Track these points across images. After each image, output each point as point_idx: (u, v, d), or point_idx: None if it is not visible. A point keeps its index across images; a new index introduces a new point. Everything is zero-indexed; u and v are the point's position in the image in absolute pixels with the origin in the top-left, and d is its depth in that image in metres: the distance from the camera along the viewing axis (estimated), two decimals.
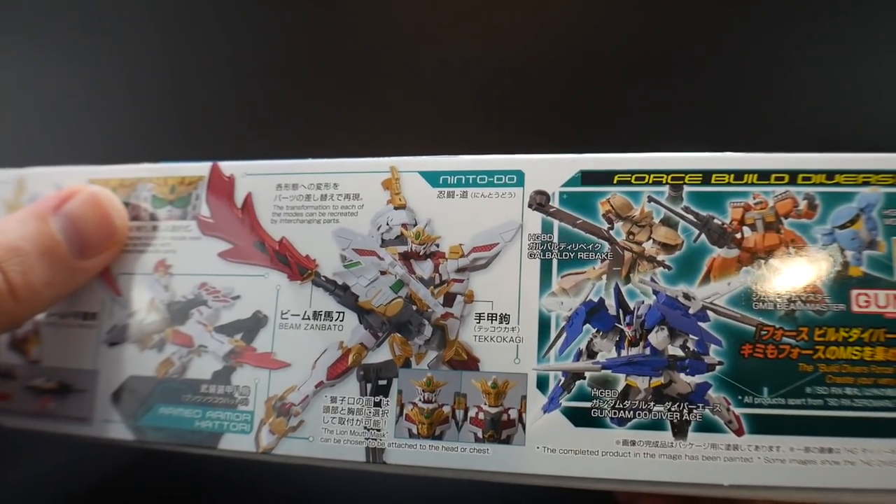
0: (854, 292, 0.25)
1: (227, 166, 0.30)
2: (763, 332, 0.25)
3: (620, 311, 0.26)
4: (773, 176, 0.26)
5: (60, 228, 0.28)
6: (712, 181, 0.26)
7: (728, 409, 0.24)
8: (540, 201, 0.27)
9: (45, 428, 0.29)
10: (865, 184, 0.25)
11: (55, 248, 0.28)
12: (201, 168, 0.30)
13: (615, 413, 0.25)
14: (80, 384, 0.29)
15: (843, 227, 0.25)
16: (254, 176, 0.29)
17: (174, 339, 0.29)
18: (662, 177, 0.26)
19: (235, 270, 0.29)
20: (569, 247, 0.26)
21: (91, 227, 0.29)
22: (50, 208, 0.28)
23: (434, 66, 0.37)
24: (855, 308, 0.25)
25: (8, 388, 0.30)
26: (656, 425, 0.25)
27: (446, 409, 0.26)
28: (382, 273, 0.28)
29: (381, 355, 0.27)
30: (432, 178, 0.28)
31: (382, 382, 0.27)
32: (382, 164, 0.28)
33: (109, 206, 0.29)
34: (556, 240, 0.27)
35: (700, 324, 0.25)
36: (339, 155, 0.29)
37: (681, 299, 0.25)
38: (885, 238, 0.25)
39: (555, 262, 0.26)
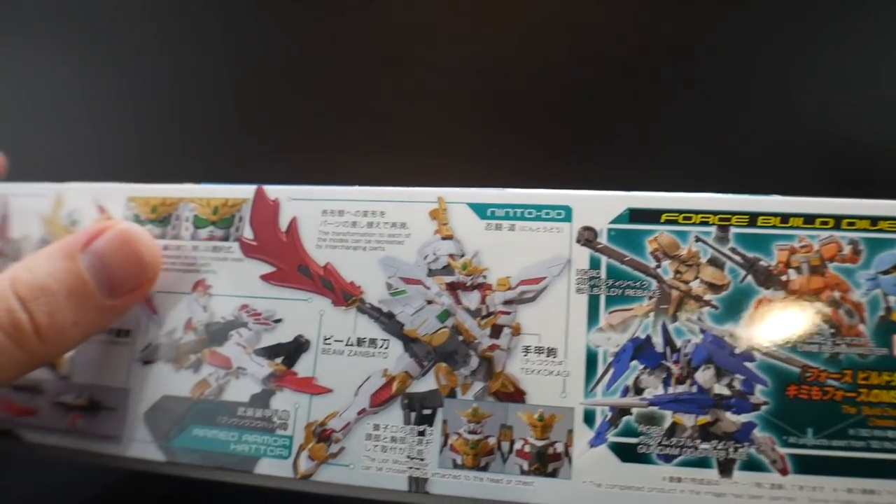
0: None
1: (272, 190, 0.30)
2: (808, 374, 0.25)
3: (667, 349, 0.26)
4: (819, 220, 0.26)
5: (89, 267, 0.27)
6: (758, 223, 0.27)
7: (773, 449, 0.25)
8: (588, 237, 0.27)
9: (73, 445, 0.29)
10: None
11: (83, 288, 0.27)
12: (245, 191, 0.30)
13: (662, 449, 0.25)
14: (111, 402, 0.29)
15: (886, 272, 0.26)
16: (299, 201, 0.29)
17: (211, 360, 0.29)
18: (709, 217, 0.27)
19: (278, 294, 0.29)
20: (616, 283, 0.27)
21: (120, 265, 0.28)
22: (79, 245, 0.28)
23: (484, 98, 0.38)
24: None
25: (35, 403, 0.30)
26: (702, 463, 0.25)
27: (492, 441, 0.26)
28: (429, 302, 0.28)
29: (426, 384, 0.27)
30: (480, 209, 0.28)
31: (427, 412, 0.27)
32: (430, 194, 0.29)
33: (139, 244, 0.29)
34: (603, 276, 0.27)
35: (746, 364, 0.26)
36: (385, 184, 0.29)
37: (727, 339, 0.26)
38: None
39: (602, 297, 0.27)
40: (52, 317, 0.26)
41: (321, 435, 0.27)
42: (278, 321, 0.28)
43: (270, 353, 0.28)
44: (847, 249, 0.26)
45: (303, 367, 0.28)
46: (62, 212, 0.31)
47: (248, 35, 0.43)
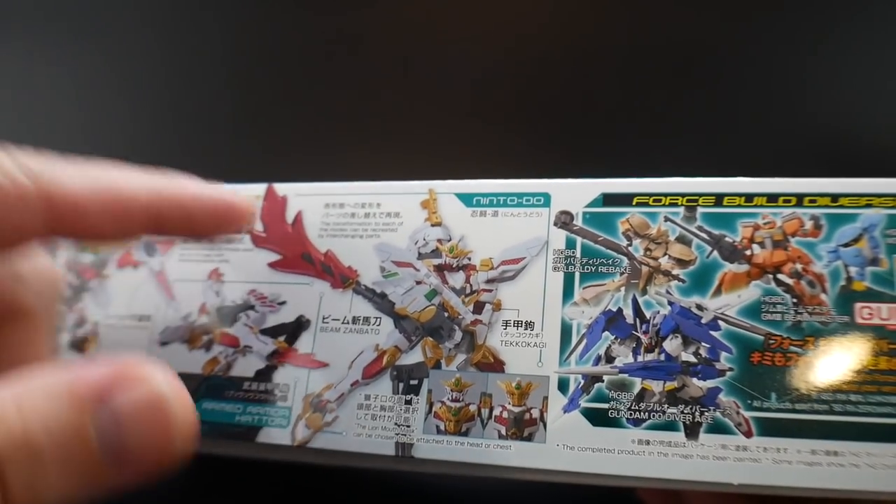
0: (858, 305, 0.26)
1: (281, 187, 0.33)
2: (771, 342, 0.26)
3: (637, 320, 0.28)
4: (781, 198, 0.28)
5: (99, 428, 0.20)
6: (724, 203, 0.28)
7: (738, 413, 0.26)
8: (564, 220, 0.29)
9: None
10: (868, 206, 0.27)
11: (84, 452, 0.19)
12: (257, 189, 0.33)
13: (631, 414, 0.27)
14: None
15: (847, 245, 0.27)
16: (305, 196, 0.32)
17: (221, 340, 0.31)
18: (678, 199, 0.29)
19: (283, 279, 0.31)
20: (590, 261, 0.29)
21: (139, 437, 0.20)
22: (93, 394, 0.20)
23: (471, 98, 0.41)
24: (859, 320, 0.26)
25: None
26: (670, 426, 0.26)
27: (473, 408, 0.28)
28: (418, 283, 0.30)
29: (414, 357, 0.29)
30: (466, 199, 0.30)
31: (414, 382, 0.29)
32: (422, 186, 0.31)
33: (172, 415, 0.21)
34: (578, 255, 0.29)
35: (712, 332, 0.27)
36: (382, 178, 0.32)
37: (694, 310, 0.27)
38: (887, 255, 0.27)
39: (577, 274, 0.28)
40: (32, 488, 0.19)
41: (317, 405, 0.29)
42: (282, 303, 0.31)
43: (274, 332, 0.31)
44: (809, 225, 0.27)
45: (303, 344, 0.30)
46: None
47: (256, 56, 0.46)
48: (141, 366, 0.21)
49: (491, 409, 0.28)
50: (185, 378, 0.31)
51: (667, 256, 0.28)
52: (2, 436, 0.18)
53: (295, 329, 0.30)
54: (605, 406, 0.27)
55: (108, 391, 0.20)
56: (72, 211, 0.23)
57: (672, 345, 0.27)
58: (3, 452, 0.18)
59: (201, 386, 0.30)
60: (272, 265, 0.32)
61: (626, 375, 0.27)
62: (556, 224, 0.29)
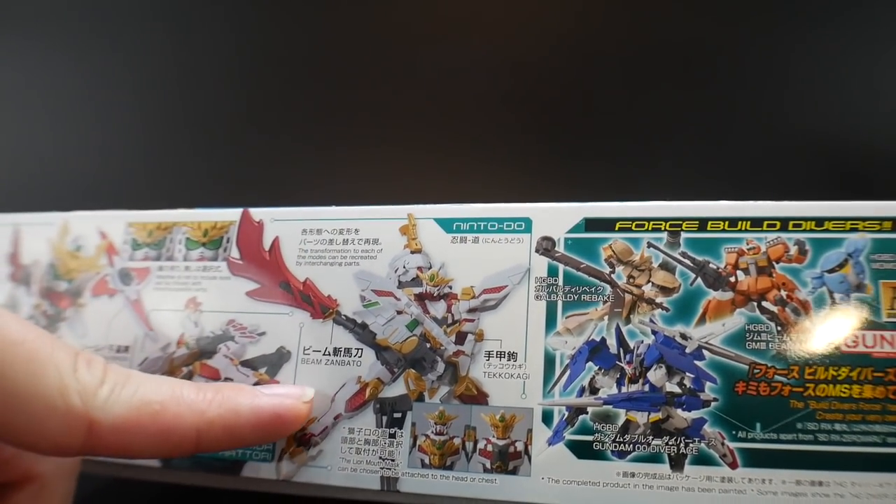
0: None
1: (257, 212, 0.32)
2: (756, 371, 0.26)
3: (621, 350, 0.27)
4: (766, 223, 0.27)
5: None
6: (708, 228, 0.28)
7: (723, 444, 0.26)
8: (546, 247, 0.29)
9: None
10: (853, 230, 0.27)
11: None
12: (233, 214, 0.32)
13: (616, 446, 0.26)
14: None
15: (831, 271, 0.27)
16: (281, 221, 0.32)
17: (201, 372, 0.31)
18: (661, 224, 0.28)
19: (262, 308, 0.31)
20: (573, 289, 0.28)
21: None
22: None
23: (450, 121, 0.40)
24: (844, 348, 0.26)
25: None
26: (654, 458, 0.26)
27: (457, 441, 0.28)
28: (399, 313, 0.29)
29: (397, 390, 0.29)
30: (446, 224, 0.30)
31: (397, 415, 0.28)
32: (400, 211, 0.30)
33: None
34: (561, 283, 0.28)
35: (696, 362, 0.27)
36: (360, 201, 0.31)
37: (678, 339, 0.27)
38: (871, 281, 0.26)
39: (560, 303, 0.28)
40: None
41: (301, 439, 0.29)
42: (262, 334, 0.30)
43: (255, 364, 0.30)
44: (793, 250, 0.27)
45: (284, 376, 0.30)
46: (68, 238, 0.34)
47: (231, 78, 0.45)
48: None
49: (475, 443, 0.27)
50: None
51: (650, 284, 0.28)
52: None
53: (276, 361, 0.30)
54: (590, 438, 0.27)
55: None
56: (113, 437, 0.24)
57: (656, 375, 0.27)
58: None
59: None
60: (250, 294, 0.31)
61: (610, 407, 0.27)
62: (537, 251, 0.29)
